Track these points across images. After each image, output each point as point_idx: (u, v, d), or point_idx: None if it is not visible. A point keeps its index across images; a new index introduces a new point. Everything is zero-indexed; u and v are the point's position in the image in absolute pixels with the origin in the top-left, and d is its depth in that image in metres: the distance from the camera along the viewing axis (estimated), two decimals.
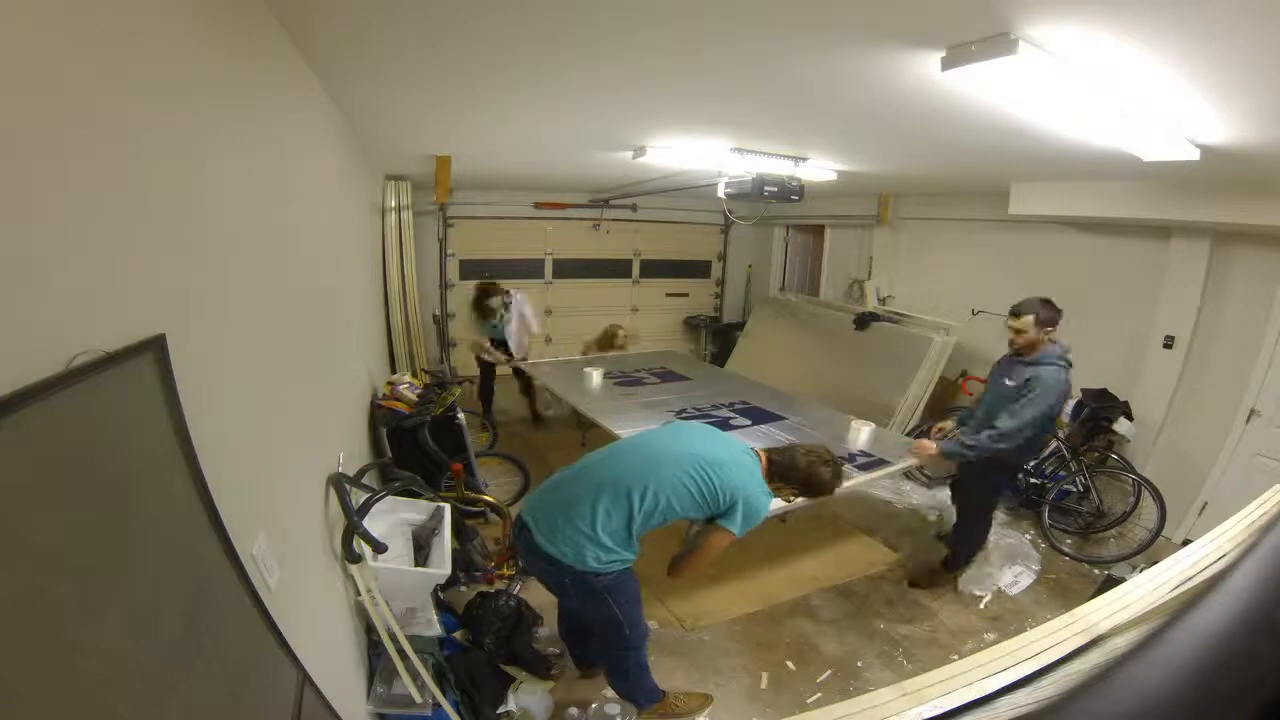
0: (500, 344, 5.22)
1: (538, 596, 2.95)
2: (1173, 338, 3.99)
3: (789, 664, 2.73)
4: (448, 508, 2.58)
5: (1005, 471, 3.34)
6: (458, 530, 2.89)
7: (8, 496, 0.61)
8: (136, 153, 0.92)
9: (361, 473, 2.33)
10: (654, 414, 4.16)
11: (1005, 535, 3.84)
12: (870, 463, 3.44)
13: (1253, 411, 3.65)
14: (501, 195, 6.72)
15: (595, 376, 4.73)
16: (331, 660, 1.67)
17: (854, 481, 3.35)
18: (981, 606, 3.21)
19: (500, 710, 2.25)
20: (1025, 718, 0.93)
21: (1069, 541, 3.78)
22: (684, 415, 4.15)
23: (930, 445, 3.17)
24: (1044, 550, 3.74)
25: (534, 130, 3.26)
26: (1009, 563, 3.56)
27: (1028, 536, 3.86)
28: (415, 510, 2.59)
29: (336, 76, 2.28)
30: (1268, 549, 0.29)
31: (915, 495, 4.38)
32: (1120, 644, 1.09)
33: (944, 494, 4.35)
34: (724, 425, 3.97)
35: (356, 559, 1.93)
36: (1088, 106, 1.95)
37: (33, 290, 0.69)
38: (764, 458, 2.32)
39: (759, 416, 4.17)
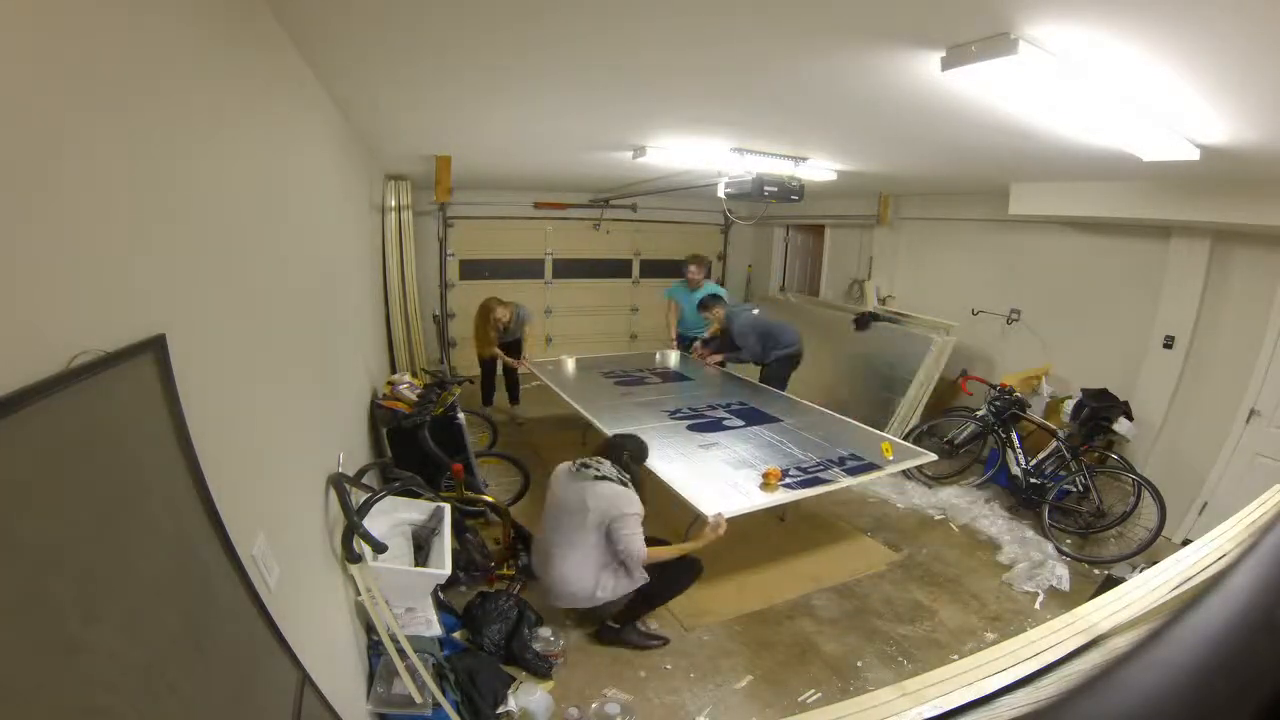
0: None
1: (538, 597, 2.95)
2: (1173, 338, 3.99)
3: (788, 664, 2.73)
4: (448, 508, 2.58)
5: None
6: (458, 530, 2.89)
7: (8, 496, 0.61)
8: (136, 152, 0.92)
9: (361, 473, 2.33)
10: (650, 413, 4.17)
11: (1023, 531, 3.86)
12: (858, 467, 3.44)
13: (1253, 411, 3.65)
14: (501, 195, 6.71)
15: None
16: (331, 660, 1.67)
17: (846, 484, 3.36)
18: (1036, 606, 3.22)
19: (500, 710, 2.25)
20: (1025, 718, 0.93)
21: (1069, 541, 3.78)
22: (678, 415, 4.15)
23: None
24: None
25: (534, 130, 3.26)
26: (1035, 561, 3.56)
27: (1031, 534, 3.86)
28: (415, 510, 2.59)
29: (336, 76, 2.28)
30: (1268, 549, 0.29)
31: (916, 495, 4.37)
32: (1120, 644, 1.09)
33: (945, 493, 4.37)
34: (718, 426, 3.97)
35: (356, 559, 1.92)
36: (1088, 106, 1.95)
37: (33, 290, 0.69)
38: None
39: (753, 417, 4.17)
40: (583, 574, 2.67)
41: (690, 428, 3.94)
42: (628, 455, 2.89)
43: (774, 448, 3.66)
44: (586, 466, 2.78)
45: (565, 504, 2.74)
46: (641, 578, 2.71)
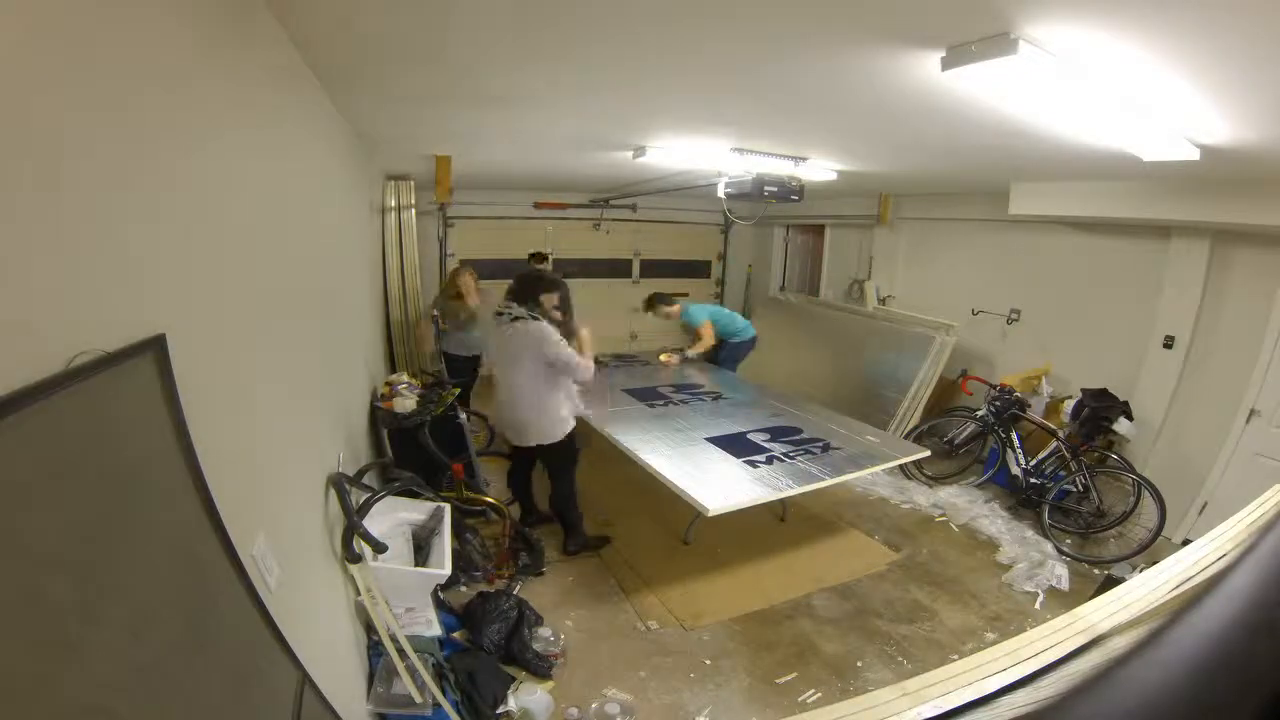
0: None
1: (538, 596, 2.95)
2: (1173, 338, 3.99)
3: (788, 664, 2.73)
4: (448, 508, 2.58)
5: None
6: (458, 530, 2.89)
7: (8, 496, 0.61)
8: (136, 152, 0.92)
9: (361, 473, 2.33)
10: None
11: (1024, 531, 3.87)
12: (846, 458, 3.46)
13: (1253, 411, 3.65)
14: (501, 195, 6.71)
15: None
16: (331, 660, 1.67)
17: (848, 477, 3.36)
18: (1036, 605, 3.22)
19: (500, 710, 2.25)
20: (1025, 718, 0.93)
21: (1069, 541, 3.78)
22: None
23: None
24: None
25: (534, 130, 3.26)
26: (1034, 561, 3.56)
27: (1031, 533, 3.86)
28: (415, 510, 2.59)
29: (336, 76, 2.28)
30: (1268, 549, 0.29)
31: (916, 495, 4.37)
32: (1120, 644, 1.09)
33: (945, 493, 4.36)
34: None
35: (356, 559, 1.93)
36: (1088, 106, 1.95)
37: (33, 290, 0.69)
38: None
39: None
40: (537, 407, 3.14)
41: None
42: (540, 293, 3.19)
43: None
44: (501, 314, 3.16)
45: (502, 353, 3.19)
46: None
